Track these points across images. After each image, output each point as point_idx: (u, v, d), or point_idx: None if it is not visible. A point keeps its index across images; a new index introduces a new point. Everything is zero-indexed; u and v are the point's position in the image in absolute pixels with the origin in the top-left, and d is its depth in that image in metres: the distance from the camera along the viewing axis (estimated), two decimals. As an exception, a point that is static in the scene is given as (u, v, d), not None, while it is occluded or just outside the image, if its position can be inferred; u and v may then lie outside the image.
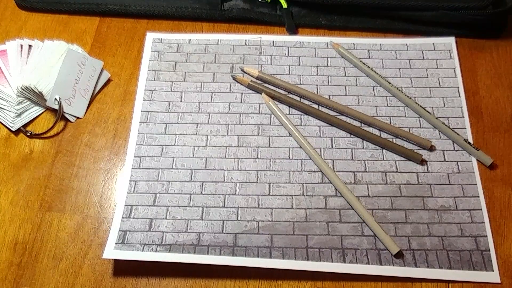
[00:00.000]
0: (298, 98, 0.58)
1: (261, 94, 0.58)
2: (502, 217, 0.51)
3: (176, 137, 0.55)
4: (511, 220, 0.51)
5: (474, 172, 0.53)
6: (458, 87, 0.59)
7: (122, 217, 0.50)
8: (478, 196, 0.52)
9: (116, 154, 0.55)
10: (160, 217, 0.50)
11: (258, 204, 0.51)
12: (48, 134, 0.56)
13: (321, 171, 0.53)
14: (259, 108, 0.57)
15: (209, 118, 0.56)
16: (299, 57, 0.61)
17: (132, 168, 0.53)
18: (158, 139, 0.55)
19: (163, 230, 0.49)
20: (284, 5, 0.64)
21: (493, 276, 0.47)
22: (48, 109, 0.58)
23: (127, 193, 0.52)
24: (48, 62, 0.58)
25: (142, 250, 0.48)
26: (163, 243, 0.49)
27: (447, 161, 0.54)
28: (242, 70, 0.60)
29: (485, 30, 0.63)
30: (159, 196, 0.51)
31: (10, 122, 0.56)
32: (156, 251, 0.48)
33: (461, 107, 0.57)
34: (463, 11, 0.60)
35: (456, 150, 0.54)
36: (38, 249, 0.49)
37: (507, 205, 0.52)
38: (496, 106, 0.58)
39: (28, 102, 0.57)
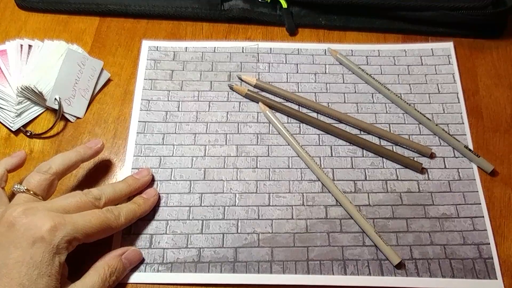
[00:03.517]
0: (296, 107, 0.57)
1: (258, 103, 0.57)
2: (502, 217, 0.51)
3: (174, 148, 0.55)
4: (511, 220, 0.51)
5: (475, 179, 0.53)
6: (457, 93, 0.58)
7: (123, 233, 0.49)
8: (480, 203, 0.51)
9: (116, 154, 0.55)
10: (160, 232, 0.49)
11: (258, 215, 0.51)
12: (48, 134, 0.56)
13: (319, 180, 0.53)
14: (258, 117, 0.57)
15: (207, 128, 0.56)
16: (297, 64, 0.60)
17: (130, 181, 0.53)
18: (156, 150, 0.54)
19: (163, 246, 0.49)
20: (284, 5, 0.63)
21: (497, 285, 0.47)
22: (48, 109, 0.57)
23: (126, 207, 0.51)
24: (48, 62, 0.58)
25: (145, 271, 0.48)
26: (164, 261, 0.48)
27: (447, 168, 0.53)
28: (240, 79, 0.59)
29: (485, 30, 0.62)
30: (158, 210, 0.51)
31: (10, 122, 0.56)
32: (158, 271, 0.48)
33: (461, 113, 0.57)
34: (463, 11, 0.59)
35: (457, 157, 0.54)
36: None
37: (507, 205, 0.52)
38: (496, 106, 0.58)
39: (28, 102, 0.57)
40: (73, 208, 0.44)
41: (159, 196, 0.51)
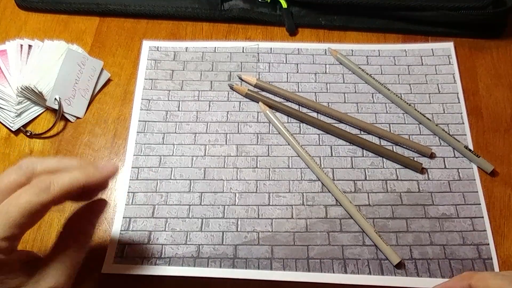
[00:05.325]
0: (296, 107, 0.57)
1: (258, 103, 0.57)
2: (502, 217, 0.51)
3: (174, 147, 0.55)
4: (511, 220, 0.51)
5: (475, 179, 0.53)
6: (458, 93, 0.58)
7: (121, 230, 0.49)
8: (480, 204, 0.51)
9: (116, 154, 0.55)
10: (159, 229, 0.50)
11: (258, 214, 0.51)
12: (48, 134, 0.56)
13: (319, 180, 0.52)
14: (258, 117, 0.57)
15: (207, 127, 0.56)
16: (297, 64, 0.60)
17: (130, 179, 0.53)
18: (156, 149, 0.54)
19: (162, 242, 0.49)
20: (284, 5, 0.63)
21: (496, 285, 0.47)
22: (48, 109, 0.57)
23: (125, 205, 0.51)
24: (48, 62, 0.58)
25: (142, 264, 0.48)
26: (162, 256, 0.48)
27: (447, 168, 0.53)
28: (240, 78, 0.59)
29: (485, 30, 0.63)
30: (157, 208, 0.51)
31: (10, 122, 0.56)
32: (155, 264, 0.48)
33: (461, 113, 0.57)
34: (463, 11, 0.60)
35: (457, 157, 0.54)
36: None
37: (507, 205, 0.52)
38: (496, 106, 0.58)
39: (28, 102, 0.57)
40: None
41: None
